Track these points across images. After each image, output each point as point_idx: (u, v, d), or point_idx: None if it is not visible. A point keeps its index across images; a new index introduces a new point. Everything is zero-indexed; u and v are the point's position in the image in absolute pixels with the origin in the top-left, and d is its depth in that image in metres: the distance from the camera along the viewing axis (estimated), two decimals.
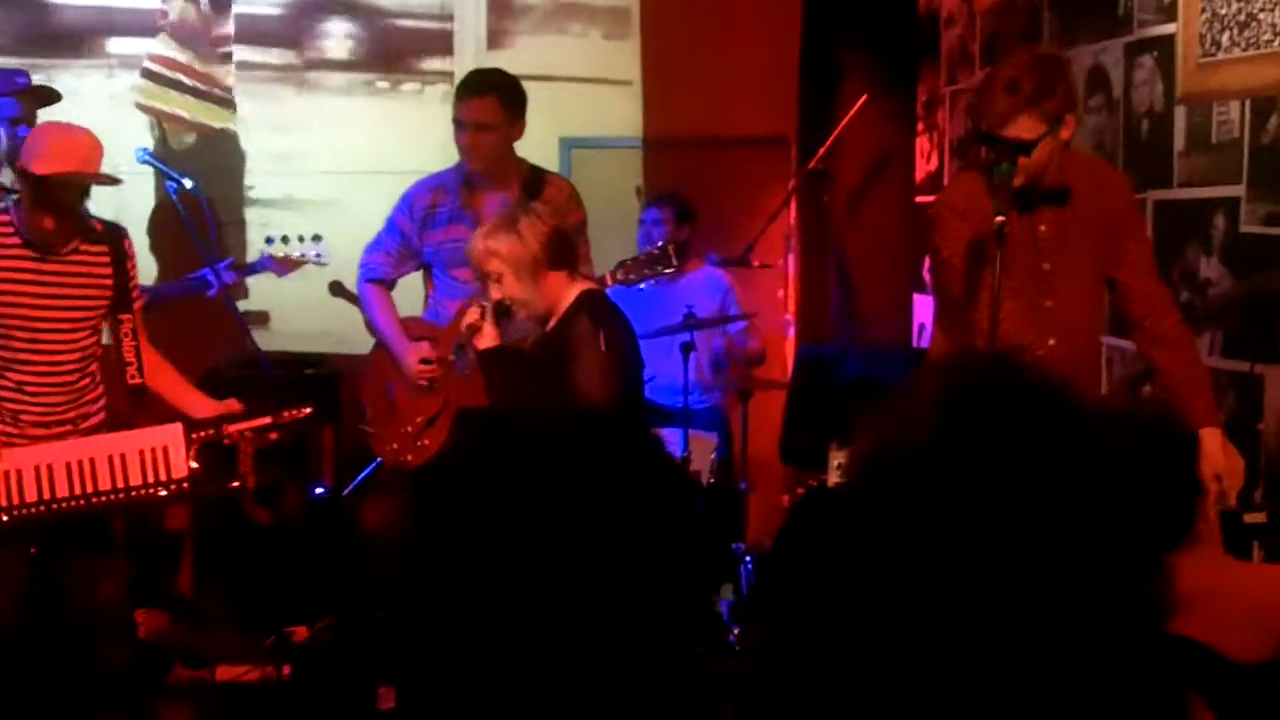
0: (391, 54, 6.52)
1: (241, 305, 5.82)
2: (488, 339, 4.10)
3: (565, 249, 4.02)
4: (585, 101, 6.57)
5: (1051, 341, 3.59)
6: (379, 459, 4.75)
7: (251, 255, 5.65)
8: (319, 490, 5.34)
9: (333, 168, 6.38)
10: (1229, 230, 4.20)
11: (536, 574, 1.29)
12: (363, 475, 4.80)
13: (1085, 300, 3.75)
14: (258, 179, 6.42)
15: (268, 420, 3.92)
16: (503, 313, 4.06)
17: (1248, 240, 4.11)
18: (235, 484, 3.83)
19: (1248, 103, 4.12)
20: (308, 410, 3.97)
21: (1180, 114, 4.43)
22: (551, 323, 4.02)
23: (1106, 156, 4.82)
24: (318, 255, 5.20)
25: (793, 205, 6.48)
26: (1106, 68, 4.82)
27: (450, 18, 6.51)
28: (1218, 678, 1.90)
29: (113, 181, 3.87)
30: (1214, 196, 4.25)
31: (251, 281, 5.90)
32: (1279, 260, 3.98)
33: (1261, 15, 4.03)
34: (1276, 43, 3.98)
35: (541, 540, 1.30)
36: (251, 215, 6.38)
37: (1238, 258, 4.17)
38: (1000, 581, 1.05)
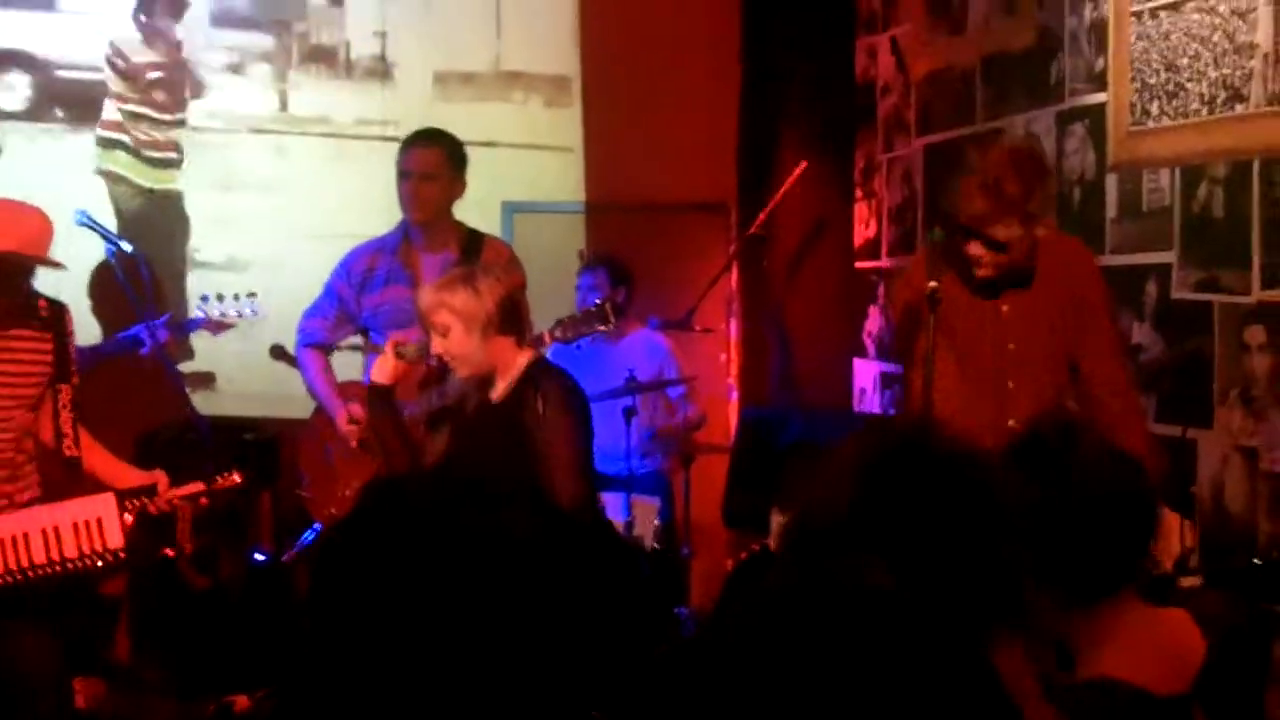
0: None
1: (187, 367, 5.79)
2: (385, 375, 4.15)
3: (517, 315, 4.00)
4: (527, 167, 6.61)
5: (1011, 423, 3.56)
6: (318, 525, 4.73)
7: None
8: (258, 556, 5.29)
9: (276, 229, 6.37)
10: (1161, 296, 4.28)
11: (422, 636, 1.30)
12: (302, 541, 4.77)
13: (1049, 381, 3.74)
14: (201, 241, 6.40)
15: (200, 487, 3.92)
16: (437, 368, 4.05)
17: (1179, 306, 4.19)
18: (170, 551, 3.80)
19: (1177, 171, 4.20)
20: (238, 478, 3.98)
21: (1112, 182, 4.52)
22: (500, 389, 3.95)
23: None
24: (252, 312, 5.18)
25: (734, 270, 6.53)
26: (1039, 136, 4.90)
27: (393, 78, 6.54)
28: (1141, 711, 1.94)
29: (56, 265, 3.85)
30: (1146, 263, 4.32)
31: (197, 343, 5.87)
32: (1209, 326, 4.06)
33: (1189, 85, 4.13)
34: (1204, 112, 4.08)
35: (424, 605, 1.31)
36: (195, 277, 6.34)
37: (1169, 323, 4.24)
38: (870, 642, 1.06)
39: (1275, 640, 2.36)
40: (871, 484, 1.49)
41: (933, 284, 3.38)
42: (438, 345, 3.91)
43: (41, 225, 3.78)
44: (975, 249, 3.53)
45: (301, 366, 4.93)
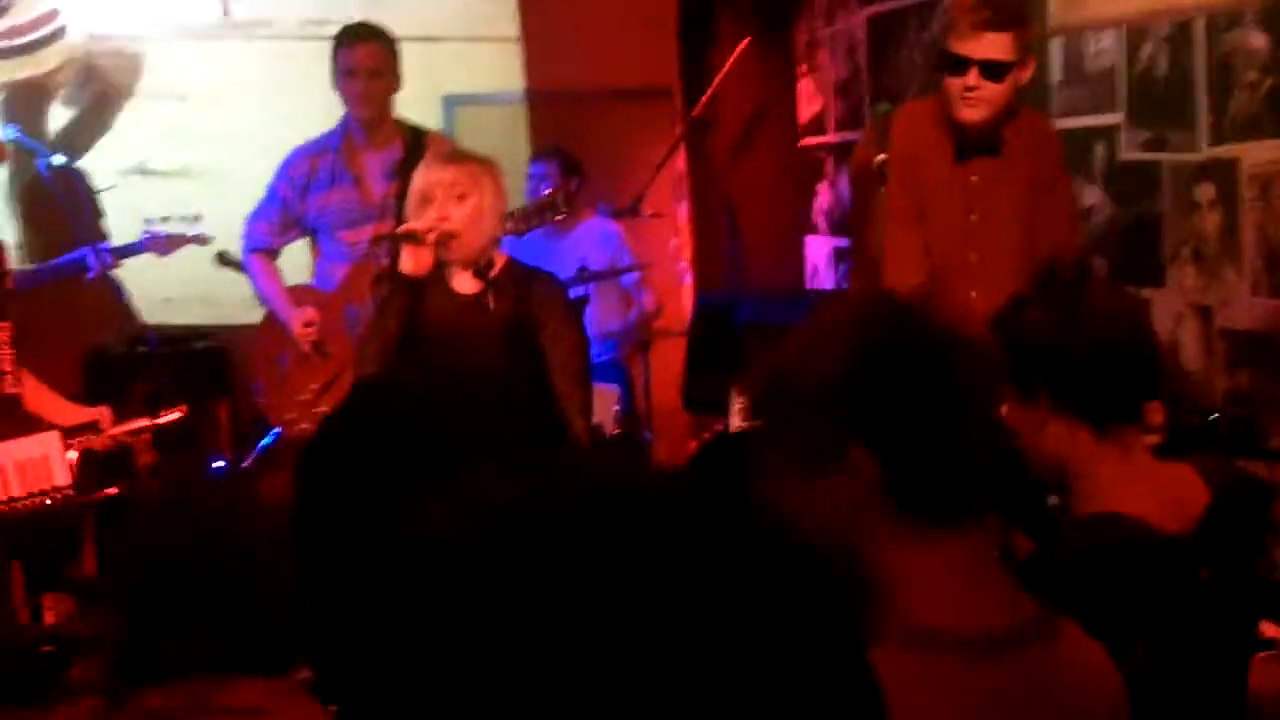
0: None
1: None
2: (421, 266, 3.64)
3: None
4: (466, 59, 6.51)
5: (973, 294, 3.53)
6: (277, 429, 4.70)
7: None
8: (217, 464, 5.26)
9: (222, 138, 6.27)
10: (1108, 158, 4.27)
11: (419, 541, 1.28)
12: (261, 446, 4.74)
13: (1011, 255, 3.68)
14: (150, 151, 6.29)
15: (144, 422, 3.89)
16: (439, 241, 3.71)
17: (1127, 167, 4.19)
18: (115, 490, 3.80)
19: (1122, 31, 4.18)
20: (181, 411, 3.98)
21: (1056, 45, 4.49)
22: (473, 284, 3.70)
23: None
24: (197, 235, 5.11)
25: (681, 154, 6.48)
26: None
27: None
28: (1144, 544, 1.98)
29: None
30: (1093, 125, 4.31)
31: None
32: (1158, 185, 4.06)
33: None
34: None
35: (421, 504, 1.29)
36: (148, 185, 6.23)
37: (1118, 184, 4.25)
38: None
39: (1274, 502, 2.41)
40: (870, 355, 1.46)
41: (880, 157, 3.36)
42: (447, 210, 3.60)
43: None
44: (970, 78, 3.49)
45: (249, 272, 4.88)
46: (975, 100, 3.53)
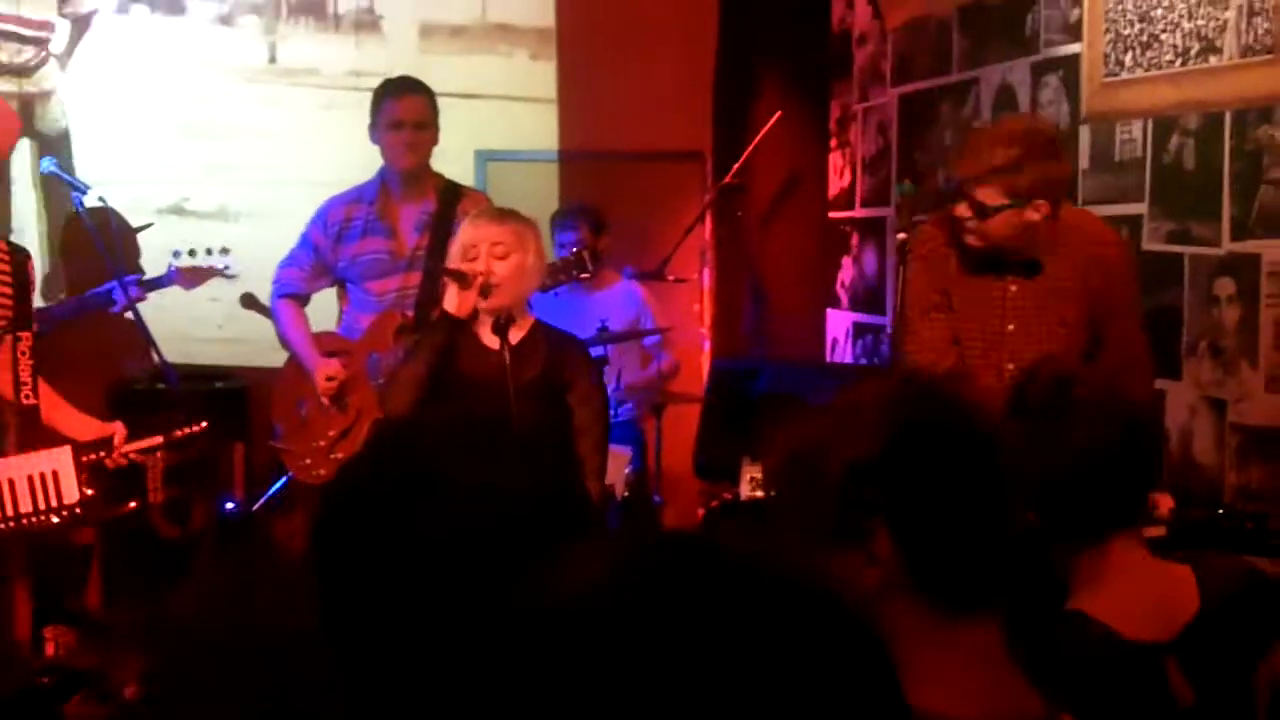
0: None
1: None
2: (464, 307, 3.77)
3: None
4: (505, 118, 6.58)
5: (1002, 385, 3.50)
6: (289, 474, 4.72)
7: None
8: (229, 505, 5.29)
9: (265, 180, 6.36)
10: (1133, 248, 4.29)
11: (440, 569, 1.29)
12: (272, 490, 4.77)
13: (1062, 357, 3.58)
14: (190, 190, 6.37)
15: (158, 440, 3.86)
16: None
17: (1150, 257, 4.20)
18: (133, 505, 3.76)
19: (1150, 122, 4.21)
20: (201, 426, 3.90)
21: (1085, 133, 4.52)
22: (520, 334, 3.83)
23: None
24: (225, 267, 5.14)
25: (708, 220, 6.52)
26: (1014, 86, 4.90)
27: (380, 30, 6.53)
28: (1103, 650, 1.96)
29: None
30: (1118, 214, 4.33)
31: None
32: (1180, 277, 4.07)
33: (1163, 36, 4.12)
34: (1177, 63, 4.08)
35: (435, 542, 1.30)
36: (186, 226, 6.30)
37: (1141, 275, 4.25)
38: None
39: None
40: (903, 437, 1.46)
41: (901, 235, 3.37)
42: (483, 266, 3.72)
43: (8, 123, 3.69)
44: (961, 209, 3.47)
45: (276, 317, 4.89)
46: (973, 230, 3.48)
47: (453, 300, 3.77)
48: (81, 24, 6.32)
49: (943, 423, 1.48)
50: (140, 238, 6.00)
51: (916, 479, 1.45)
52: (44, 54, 6.27)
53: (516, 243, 3.76)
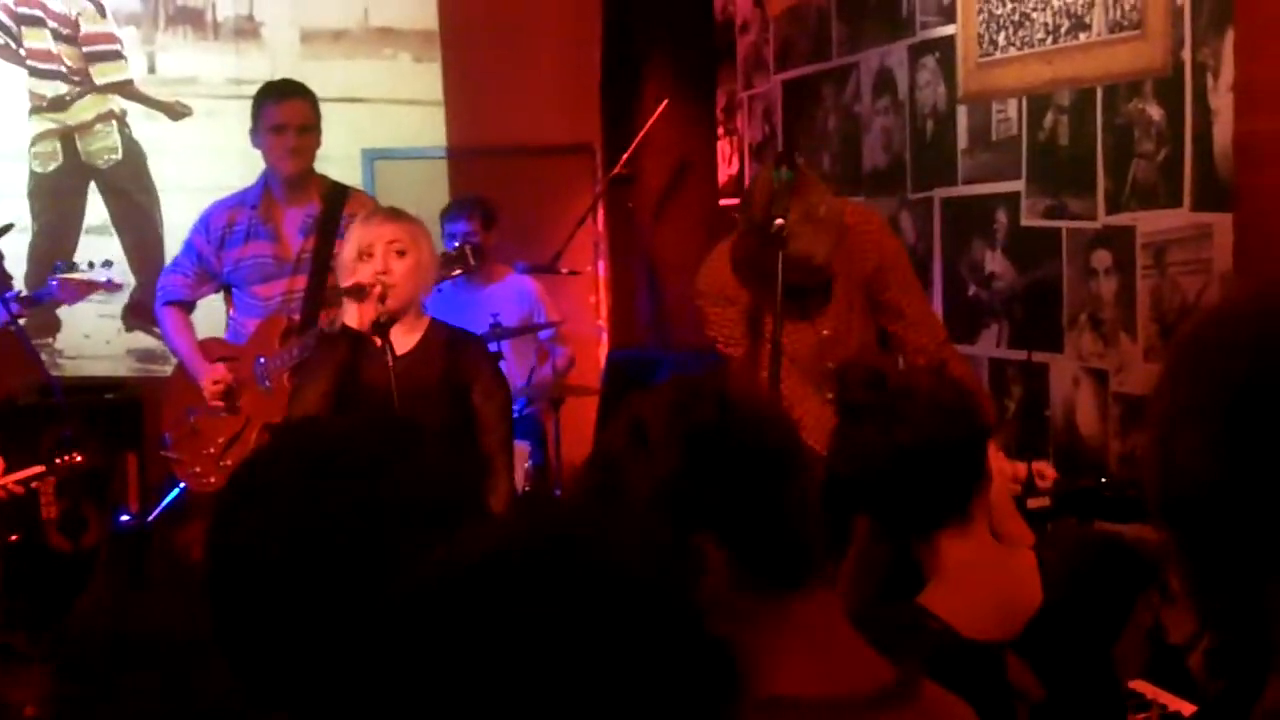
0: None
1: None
2: (363, 318, 3.69)
3: None
4: (391, 120, 6.55)
5: (830, 397, 3.54)
6: (183, 484, 4.67)
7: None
8: (124, 518, 5.21)
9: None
10: (1011, 224, 4.36)
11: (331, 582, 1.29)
12: (166, 501, 4.71)
13: (867, 351, 3.68)
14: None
15: (39, 469, 3.84)
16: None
17: (1028, 233, 4.27)
18: (14, 538, 3.74)
19: (1024, 100, 4.27)
20: (79, 458, 3.93)
21: (962, 113, 4.58)
22: (417, 335, 3.83)
23: (894, 156, 4.96)
24: (108, 280, 5.06)
25: (600, 212, 6.53)
26: (893, 69, 4.95)
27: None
28: (938, 647, 1.96)
29: None
30: (996, 192, 4.40)
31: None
32: (1058, 251, 4.14)
33: (1034, 15, 4.19)
34: (1049, 41, 4.14)
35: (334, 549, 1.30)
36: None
37: (1020, 251, 4.33)
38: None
39: (1140, 591, 2.36)
40: (695, 451, 1.47)
41: (779, 222, 3.34)
42: (380, 266, 3.68)
43: None
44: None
45: (161, 325, 4.84)
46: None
47: (354, 316, 3.70)
48: None
49: (727, 427, 1.49)
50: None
51: (719, 485, 1.46)
52: None
53: (412, 241, 3.74)
